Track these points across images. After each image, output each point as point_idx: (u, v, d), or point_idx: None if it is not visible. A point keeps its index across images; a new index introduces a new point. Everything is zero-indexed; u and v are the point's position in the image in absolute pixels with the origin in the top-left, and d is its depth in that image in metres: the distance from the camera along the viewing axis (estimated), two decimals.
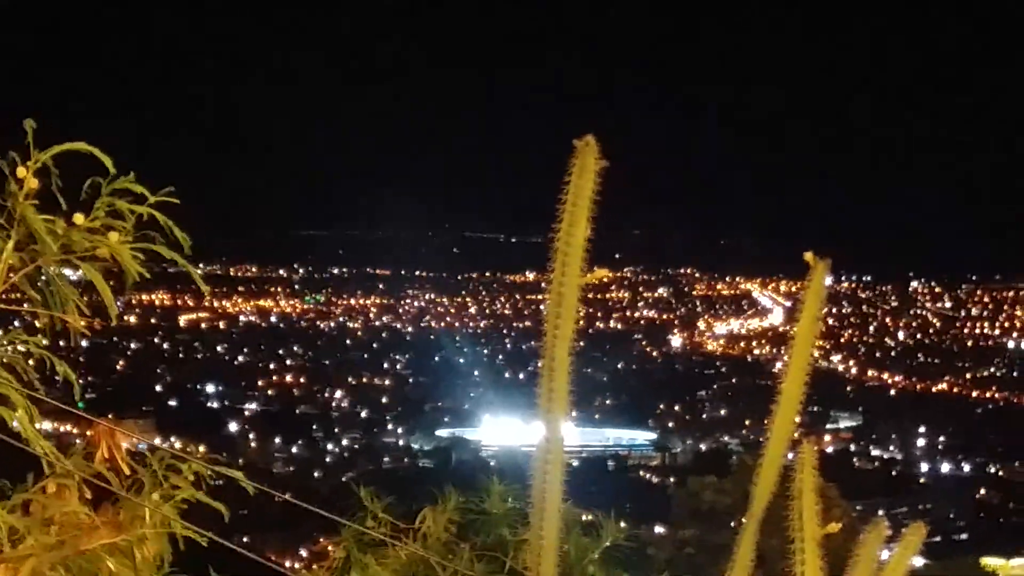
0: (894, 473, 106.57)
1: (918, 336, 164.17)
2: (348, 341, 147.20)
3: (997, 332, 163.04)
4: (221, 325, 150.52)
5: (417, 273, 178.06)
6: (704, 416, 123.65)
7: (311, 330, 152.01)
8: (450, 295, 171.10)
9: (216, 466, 5.03)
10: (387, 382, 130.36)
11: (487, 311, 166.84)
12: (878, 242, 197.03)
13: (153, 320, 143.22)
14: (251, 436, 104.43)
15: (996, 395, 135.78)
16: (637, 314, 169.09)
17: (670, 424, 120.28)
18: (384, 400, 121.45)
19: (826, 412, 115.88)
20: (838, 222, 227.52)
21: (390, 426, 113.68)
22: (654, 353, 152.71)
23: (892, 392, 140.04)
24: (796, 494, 3.01)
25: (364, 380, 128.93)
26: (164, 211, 4.48)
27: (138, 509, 4.69)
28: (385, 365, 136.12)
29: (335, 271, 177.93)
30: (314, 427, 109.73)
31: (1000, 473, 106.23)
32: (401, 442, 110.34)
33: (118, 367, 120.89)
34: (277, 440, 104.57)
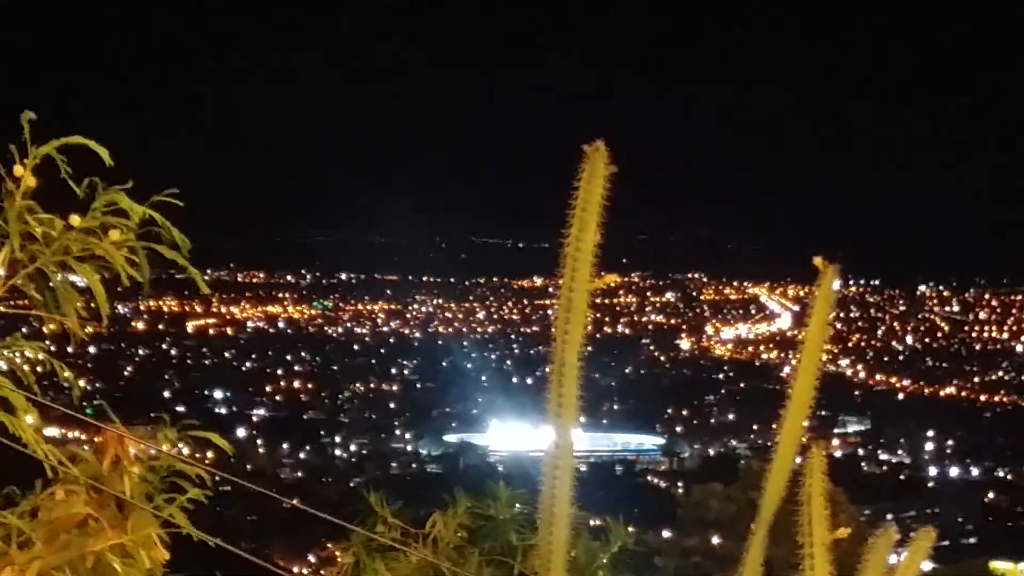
0: (902, 477, 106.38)
1: (926, 340, 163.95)
2: (356, 347, 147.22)
3: (1005, 336, 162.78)
4: (229, 331, 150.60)
5: (424, 278, 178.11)
6: (712, 421, 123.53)
7: (319, 336, 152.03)
8: (457, 300, 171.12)
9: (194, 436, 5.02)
10: (395, 387, 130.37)
11: (494, 316, 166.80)
12: (886, 246, 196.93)
13: (161, 326, 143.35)
14: (259, 442, 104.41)
15: (1004, 399, 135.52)
16: (645, 319, 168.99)
17: (678, 429, 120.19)
18: (392, 405, 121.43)
19: (834, 416, 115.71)
20: (845, 226, 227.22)
21: (398, 431, 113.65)
22: (662, 358, 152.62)
23: (900, 396, 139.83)
24: (805, 499, 3.00)
25: (372, 385, 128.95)
26: (169, 215, 4.48)
27: (144, 512, 4.69)
28: (393, 370, 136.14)
29: (343, 277, 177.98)
30: (322, 433, 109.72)
31: (1009, 477, 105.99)
32: (409, 447, 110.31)
33: (126, 373, 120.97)
34: (285, 446, 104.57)
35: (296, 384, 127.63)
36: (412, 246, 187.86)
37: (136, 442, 4.87)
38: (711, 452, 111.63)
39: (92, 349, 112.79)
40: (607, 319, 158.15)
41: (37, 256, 4.26)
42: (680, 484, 79.81)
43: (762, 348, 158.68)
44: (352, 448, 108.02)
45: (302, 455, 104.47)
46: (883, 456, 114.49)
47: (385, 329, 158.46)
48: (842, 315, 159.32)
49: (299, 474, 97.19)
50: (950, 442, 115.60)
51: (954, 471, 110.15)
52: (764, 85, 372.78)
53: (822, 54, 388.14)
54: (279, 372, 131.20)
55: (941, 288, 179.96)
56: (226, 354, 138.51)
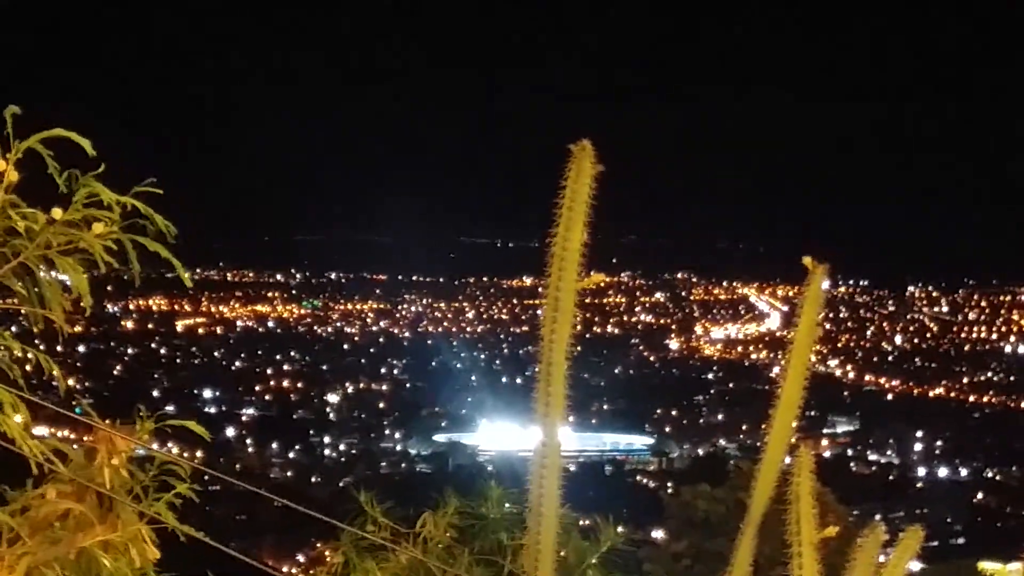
0: (891, 477, 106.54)
1: (915, 340, 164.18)
2: (345, 346, 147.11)
3: (994, 336, 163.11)
4: (218, 330, 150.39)
5: (414, 278, 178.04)
6: (701, 421, 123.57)
7: (308, 335, 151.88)
8: (447, 300, 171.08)
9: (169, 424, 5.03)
10: (384, 387, 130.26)
11: (484, 316, 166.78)
12: (875, 246, 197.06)
13: (150, 325, 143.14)
14: (248, 441, 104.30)
15: (993, 399, 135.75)
16: (634, 319, 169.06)
17: (667, 429, 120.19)
18: (381, 405, 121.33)
19: (823, 416, 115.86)
20: (835, 226, 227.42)
21: (387, 431, 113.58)
22: (651, 358, 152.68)
23: (889, 396, 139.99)
24: (794, 498, 3.01)
25: (361, 385, 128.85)
26: (158, 211, 4.47)
27: (134, 510, 4.70)
28: (382, 370, 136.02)
29: (332, 276, 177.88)
30: (311, 432, 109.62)
31: (997, 477, 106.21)
32: (398, 447, 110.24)
33: (115, 372, 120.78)
34: (274, 445, 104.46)
35: (285, 384, 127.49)
36: (402, 246, 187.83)
37: (125, 440, 4.87)
38: (700, 452, 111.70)
39: (82, 348, 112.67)
40: (597, 319, 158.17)
41: (20, 251, 4.26)
42: (669, 484, 79.84)
43: (751, 348, 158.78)
44: (341, 448, 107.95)
45: (291, 455, 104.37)
46: (872, 456, 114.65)
47: (375, 329, 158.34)
48: (831, 315, 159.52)
49: (288, 474, 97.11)
50: (939, 442, 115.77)
51: (943, 471, 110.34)
52: (764, 85, 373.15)
53: (822, 54, 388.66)
54: (268, 371, 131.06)
55: (930, 288, 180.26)
56: (215, 353, 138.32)
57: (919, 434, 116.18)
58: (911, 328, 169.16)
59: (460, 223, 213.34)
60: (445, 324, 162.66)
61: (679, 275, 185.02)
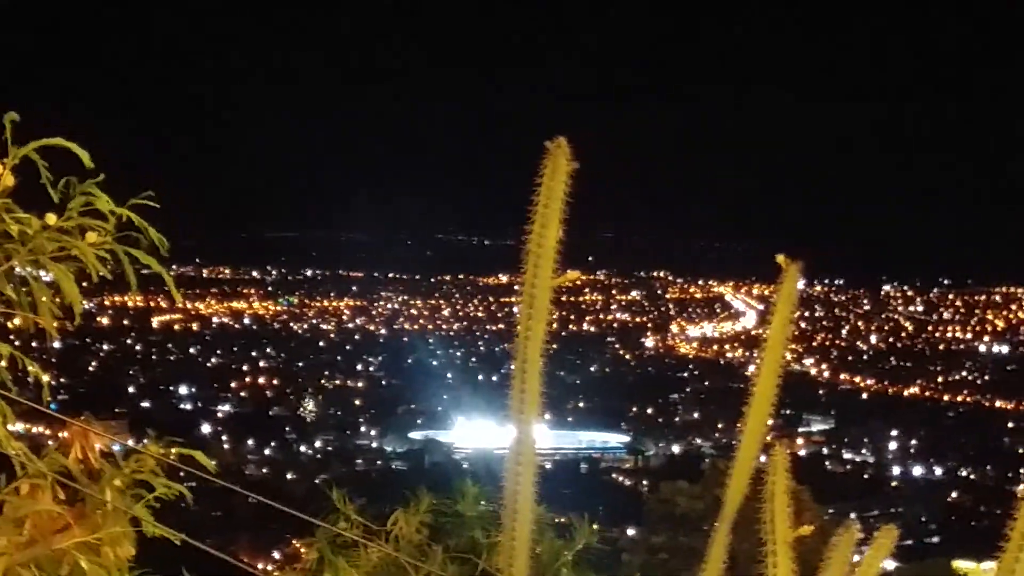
0: (866, 476, 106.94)
1: (890, 340, 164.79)
2: (321, 343, 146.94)
3: (969, 336, 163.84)
4: (194, 327, 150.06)
5: (390, 275, 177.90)
6: (677, 419, 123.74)
7: (284, 332, 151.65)
8: (423, 297, 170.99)
9: (178, 453, 5.02)
10: (360, 384, 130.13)
11: (460, 313, 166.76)
12: (851, 246, 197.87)
13: (126, 322, 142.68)
14: (224, 438, 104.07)
15: (968, 399, 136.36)
16: (610, 317, 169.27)
17: (643, 427, 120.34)
18: (357, 402, 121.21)
19: (798, 415, 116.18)
20: (811, 225, 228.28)
21: (363, 428, 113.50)
22: (627, 356, 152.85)
23: (864, 395, 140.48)
24: (768, 497, 3.01)
25: (337, 382, 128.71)
26: (140, 212, 4.47)
27: (109, 508, 4.68)
28: (358, 367, 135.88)
29: (308, 273, 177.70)
30: (287, 429, 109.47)
31: (972, 476, 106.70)
32: (374, 444, 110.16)
33: (90, 368, 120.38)
34: (250, 442, 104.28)
35: (261, 380, 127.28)
36: (377, 243, 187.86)
37: (100, 436, 4.85)
38: (676, 450, 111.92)
39: (57, 344, 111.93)
40: (573, 317, 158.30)
41: (12, 255, 4.26)
42: (645, 482, 80.00)
43: (727, 347, 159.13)
44: (317, 445, 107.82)
45: (267, 451, 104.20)
46: (847, 455, 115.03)
47: (351, 326, 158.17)
48: (807, 314, 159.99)
49: (264, 470, 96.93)
50: (914, 441, 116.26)
51: (917, 470, 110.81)
52: (764, 85, 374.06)
53: (822, 54, 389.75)
54: (244, 368, 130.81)
55: (905, 288, 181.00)
56: (191, 350, 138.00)
57: (894, 433, 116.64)
58: (886, 327, 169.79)
59: (436, 221, 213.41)
60: (421, 321, 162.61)
61: (655, 274, 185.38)
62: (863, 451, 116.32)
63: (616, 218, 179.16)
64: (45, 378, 4.48)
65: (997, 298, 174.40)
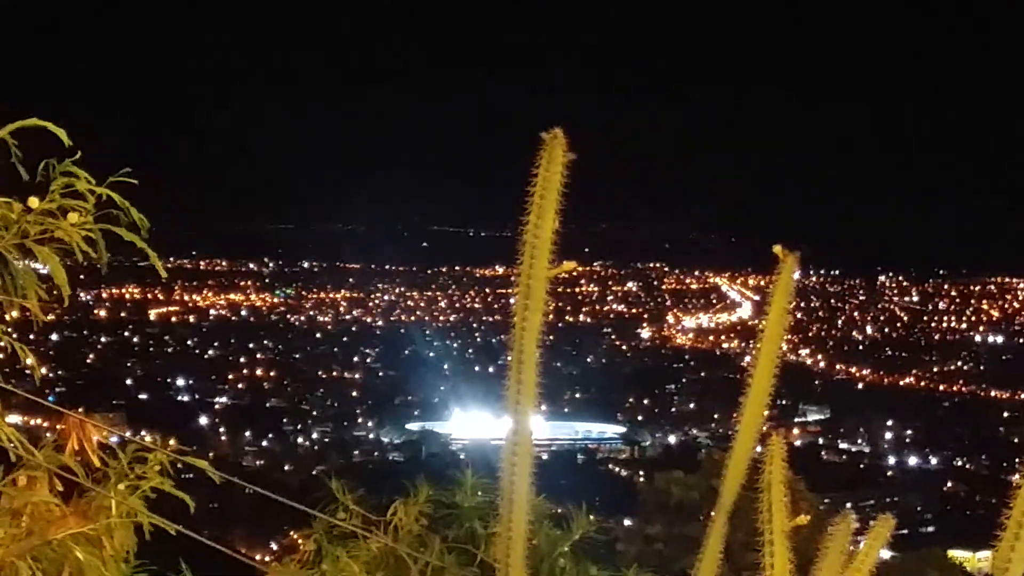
0: (862, 466, 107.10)
1: (886, 330, 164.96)
2: (318, 335, 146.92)
3: (964, 326, 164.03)
4: (191, 319, 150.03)
5: (387, 267, 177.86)
6: (673, 410, 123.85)
7: (281, 324, 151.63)
8: (419, 289, 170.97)
9: (183, 457, 5.02)
10: (357, 376, 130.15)
11: (456, 305, 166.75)
12: (846, 236, 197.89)
13: (123, 314, 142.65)
14: (221, 430, 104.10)
15: (963, 388, 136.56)
16: (606, 308, 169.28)
17: (639, 417, 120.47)
18: (354, 394, 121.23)
19: (794, 406, 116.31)
20: (806, 216, 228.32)
21: (360, 420, 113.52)
22: (623, 347, 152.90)
23: (860, 386, 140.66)
24: (765, 486, 3.02)
25: (334, 374, 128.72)
26: (133, 201, 4.47)
27: (106, 500, 4.69)
28: (355, 359, 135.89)
29: (305, 265, 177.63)
30: (284, 420, 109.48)
31: (967, 466, 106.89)
32: (371, 435, 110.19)
33: (88, 360, 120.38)
34: (247, 434, 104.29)
35: (259, 372, 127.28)
36: (374, 235, 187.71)
37: (97, 428, 4.86)
38: (672, 440, 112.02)
39: (54, 336, 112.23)
40: (569, 308, 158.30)
41: None
42: (641, 472, 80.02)
43: (723, 337, 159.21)
44: (314, 436, 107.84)
45: (264, 443, 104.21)
46: (843, 445, 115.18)
47: (347, 317, 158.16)
48: (803, 305, 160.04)
49: (261, 462, 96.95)
50: (909, 431, 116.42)
51: (913, 460, 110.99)
52: (764, 85, 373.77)
53: (822, 54, 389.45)
54: (242, 360, 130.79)
55: (901, 279, 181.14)
56: (188, 342, 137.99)
57: (889, 423, 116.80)
58: (882, 318, 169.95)
59: (432, 213, 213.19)
60: (418, 313, 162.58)
61: (652, 264, 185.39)
62: (859, 441, 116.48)
63: (613, 211, 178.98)
64: (31, 360, 4.46)
65: (992, 288, 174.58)
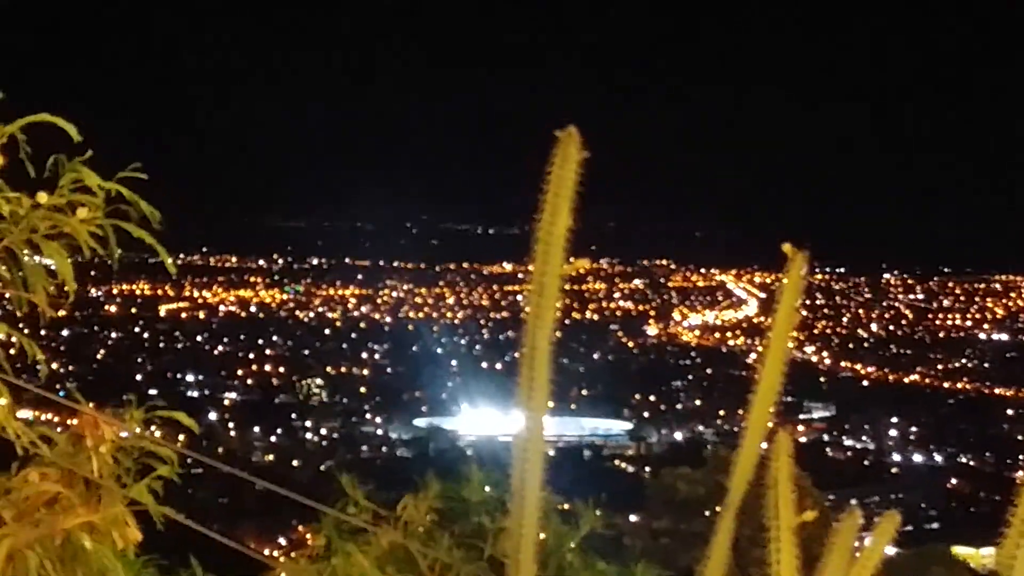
0: (867, 463, 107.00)
1: (891, 327, 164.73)
2: (327, 331, 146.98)
3: (969, 324, 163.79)
4: (201, 315, 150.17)
5: (395, 264, 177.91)
6: (679, 406, 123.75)
7: (290, 320, 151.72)
8: (428, 286, 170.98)
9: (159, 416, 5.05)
10: (365, 372, 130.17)
11: (464, 302, 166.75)
12: (851, 234, 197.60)
13: (133, 310, 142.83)
14: (230, 425, 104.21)
15: (968, 386, 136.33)
16: (613, 305, 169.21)
17: (645, 414, 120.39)
18: (362, 390, 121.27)
19: (799, 402, 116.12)
20: (811, 213, 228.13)
21: (368, 415, 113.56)
22: (630, 344, 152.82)
23: (865, 383, 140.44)
24: (772, 483, 3.04)
25: (343, 370, 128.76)
26: (144, 197, 4.50)
27: (116, 493, 4.72)
28: (364, 355, 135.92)
29: (314, 262, 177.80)
30: (293, 416, 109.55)
31: (971, 463, 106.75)
32: (379, 431, 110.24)
33: (98, 356, 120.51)
34: (256, 429, 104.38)
35: (267, 368, 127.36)
36: (383, 232, 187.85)
37: (109, 424, 4.89)
38: (678, 437, 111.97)
39: (65, 332, 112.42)
40: (576, 305, 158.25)
41: (5, 235, 4.27)
42: (647, 469, 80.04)
43: (729, 335, 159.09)
44: (323, 432, 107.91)
45: (273, 438, 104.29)
46: (847, 442, 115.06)
47: (356, 314, 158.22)
48: (808, 302, 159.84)
49: (270, 457, 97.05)
50: (914, 428, 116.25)
51: (918, 457, 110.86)
52: (764, 85, 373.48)
53: (822, 54, 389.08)
54: (250, 356, 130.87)
55: (906, 276, 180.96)
56: (198, 338, 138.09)
57: (894, 420, 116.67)
58: (887, 315, 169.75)
59: (441, 210, 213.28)
60: (426, 310, 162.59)
61: (658, 262, 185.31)
62: (863, 438, 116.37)
63: (619, 209, 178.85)
64: (39, 356, 4.49)
65: (997, 286, 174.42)
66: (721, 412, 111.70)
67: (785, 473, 3.04)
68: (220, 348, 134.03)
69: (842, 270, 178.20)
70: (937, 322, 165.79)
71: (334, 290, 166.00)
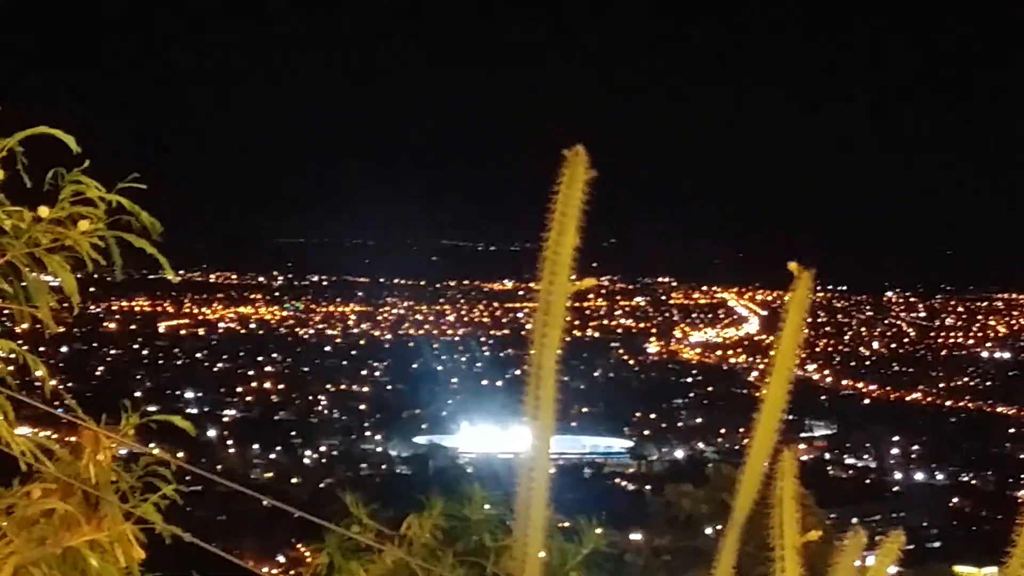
0: (868, 481, 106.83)
1: (892, 346, 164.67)
2: (327, 348, 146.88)
3: (970, 342, 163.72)
4: (200, 332, 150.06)
5: (395, 281, 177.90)
6: (680, 424, 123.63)
7: (290, 337, 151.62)
8: (428, 303, 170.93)
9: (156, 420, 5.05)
10: (365, 389, 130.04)
11: (465, 319, 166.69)
12: (853, 252, 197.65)
13: (133, 326, 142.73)
14: (230, 442, 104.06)
15: (970, 404, 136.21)
16: (614, 322, 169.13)
17: (646, 432, 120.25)
18: (362, 407, 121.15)
19: (801, 421, 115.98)
20: (813, 231, 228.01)
21: (368, 433, 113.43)
22: (631, 361, 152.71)
23: (867, 401, 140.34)
24: (776, 502, 3.04)
25: (343, 387, 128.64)
26: (140, 203, 4.49)
27: (119, 509, 4.71)
28: (363, 372, 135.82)
29: (314, 279, 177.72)
30: (292, 434, 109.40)
31: (973, 482, 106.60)
32: (379, 449, 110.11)
33: (98, 372, 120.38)
34: (255, 447, 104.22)
35: (267, 385, 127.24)
36: (383, 249, 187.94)
37: (111, 440, 4.88)
38: (679, 455, 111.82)
39: (64, 348, 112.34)
40: (577, 322, 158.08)
41: (7, 249, 4.26)
42: (648, 487, 79.91)
43: (730, 352, 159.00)
44: (322, 449, 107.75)
45: (272, 456, 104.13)
46: (849, 460, 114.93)
47: (356, 331, 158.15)
48: (809, 320, 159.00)
49: (269, 475, 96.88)
50: (915, 447, 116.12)
51: (919, 475, 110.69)
52: (764, 85, 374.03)
53: (822, 54, 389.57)
54: (250, 373, 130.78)
55: (908, 294, 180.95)
56: (198, 355, 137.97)
57: (896, 438, 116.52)
58: (889, 333, 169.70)
59: (441, 226, 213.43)
60: (426, 327, 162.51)
61: (659, 279, 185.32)
62: (865, 456, 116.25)
63: (620, 219, 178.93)
64: (40, 372, 4.48)
65: (999, 304, 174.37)
66: (722, 430, 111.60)
67: (790, 492, 3.04)
68: (220, 365, 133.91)
69: (844, 288, 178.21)
70: (939, 340, 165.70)
71: (334, 307, 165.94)
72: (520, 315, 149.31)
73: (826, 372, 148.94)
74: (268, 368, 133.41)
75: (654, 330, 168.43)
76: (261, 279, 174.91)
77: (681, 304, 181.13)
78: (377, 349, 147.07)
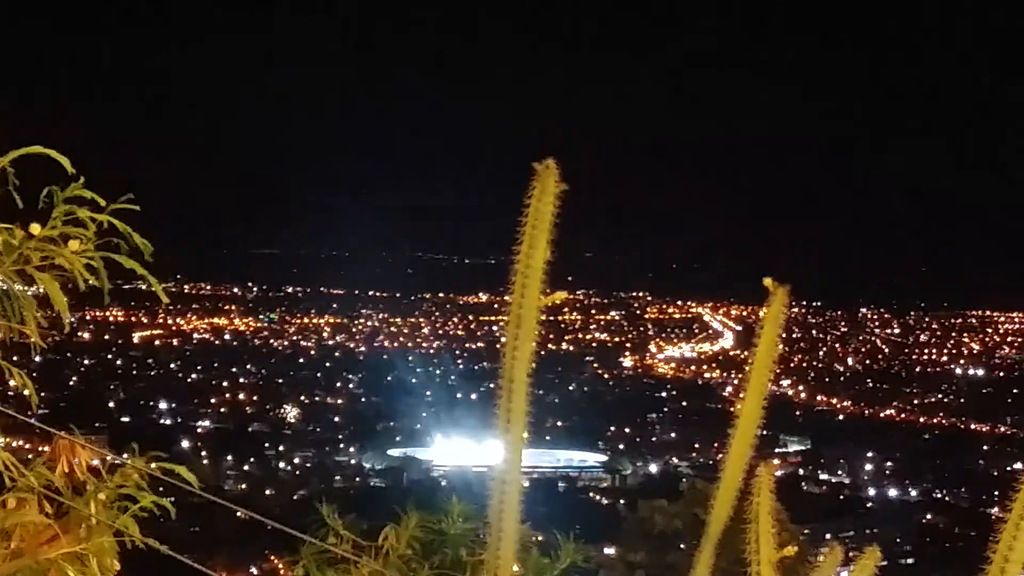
0: (842, 497, 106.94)
1: (867, 362, 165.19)
2: (301, 360, 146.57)
3: (944, 359, 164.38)
4: (175, 342, 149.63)
5: (371, 293, 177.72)
6: (654, 439, 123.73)
7: (264, 348, 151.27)
8: (403, 315, 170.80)
9: (158, 465, 5.03)
10: (340, 401, 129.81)
11: (440, 331, 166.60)
12: (828, 268, 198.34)
13: (107, 336, 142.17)
14: (203, 453, 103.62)
15: (943, 421, 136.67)
16: (589, 336, 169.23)
17: (621, 446, 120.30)
18: (336, 419, 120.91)
19: (775, 436, 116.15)
20: (788, 247, 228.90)
21: (342, 445, 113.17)
22: (605, 375, 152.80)
23: (841, 417, 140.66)
24: (753, 517, 3.04)
25: (317, 399, 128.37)
26: (123, 222, 4.48)
27: (94, 519, 4.69)
28: (338, 384, 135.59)
29: (289, 290, 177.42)
30: (266, 445, 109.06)
31: (946, 498, 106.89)
32: (353, 461, 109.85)
33: (71, 383, 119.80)
34: (229, 458, 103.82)
35: (241, 396, 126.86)
36: (359, 261, 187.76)
37: (87, 451, 4.86)
38: (653, 469, 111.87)
39: (37, 358, 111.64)
40: (552, 336, 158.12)
41: None
42: (622, 501, 79.91)
43: (704, 367, 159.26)
44: (296, 461, 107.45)
45: (246, 467, 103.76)
46: (823, 476, 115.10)
47: (331, 343, 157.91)
48: (784, 336, 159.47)
49: (243, 486, 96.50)
50: (889, 463, 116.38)
51: (893, 492, 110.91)
52: (740, 102, 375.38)
53: (823, 53, 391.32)
54: (224, 384, 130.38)
55: (882, 311, 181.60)
56: (172, 365, 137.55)
57: (870, 454, 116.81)
58: (863, 349, 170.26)
59: (416, 239, 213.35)
60: (401, 339, 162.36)
61: (634, 293, 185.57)
62: (839, 472, 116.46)
63: (595, 238, 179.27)
64: (16, 382, 4.47)
65: (973, 321, 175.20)
66: (696, 445, 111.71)
67: (766, 508, 3.04)
68: (193, 376, 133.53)
69: (818, 304, 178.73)
70: (913, 357, 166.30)
71: (309, 319, 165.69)
72: (495, 328, 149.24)
73: (800, 388, 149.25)
74: (242, 379, 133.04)
75: (629, 344, 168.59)
76: (236, 290, 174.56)
77: (656, 318, 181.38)
78: (352, 361, 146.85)
